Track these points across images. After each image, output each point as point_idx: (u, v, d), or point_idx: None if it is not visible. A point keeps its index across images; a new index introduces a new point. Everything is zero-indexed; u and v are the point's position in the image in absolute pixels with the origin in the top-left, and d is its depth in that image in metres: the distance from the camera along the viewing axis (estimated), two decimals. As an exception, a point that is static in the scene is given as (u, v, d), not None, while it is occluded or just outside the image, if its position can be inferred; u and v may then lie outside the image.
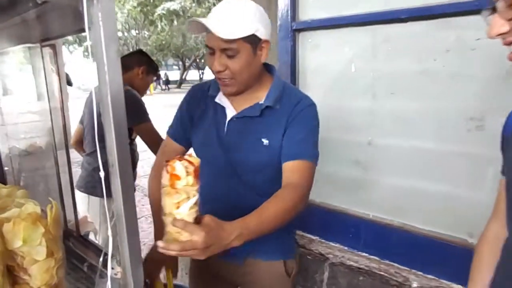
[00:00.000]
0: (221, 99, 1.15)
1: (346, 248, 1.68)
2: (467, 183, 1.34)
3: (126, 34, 24.36)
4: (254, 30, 0.99)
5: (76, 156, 1.94)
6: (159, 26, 20.56)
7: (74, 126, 2.34)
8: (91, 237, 1.75)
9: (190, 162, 0.80)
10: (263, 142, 1.08)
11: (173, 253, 0.79)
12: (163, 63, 29.07)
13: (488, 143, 1.26)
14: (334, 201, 1.72)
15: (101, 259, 0.72)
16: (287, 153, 1.07)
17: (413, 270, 1.48)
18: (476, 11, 1.23)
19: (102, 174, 0.77)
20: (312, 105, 1.13)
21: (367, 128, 1.56)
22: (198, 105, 1.21)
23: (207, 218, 0.82)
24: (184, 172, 0.78)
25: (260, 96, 1.11)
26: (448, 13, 1.29)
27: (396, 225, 1.54)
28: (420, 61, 1.38)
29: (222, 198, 1.16)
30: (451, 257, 1.38)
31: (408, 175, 1.48)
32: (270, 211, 0.93)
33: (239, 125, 1.12)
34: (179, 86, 28.09)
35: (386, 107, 1.50)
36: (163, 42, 23.53)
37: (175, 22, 20.08)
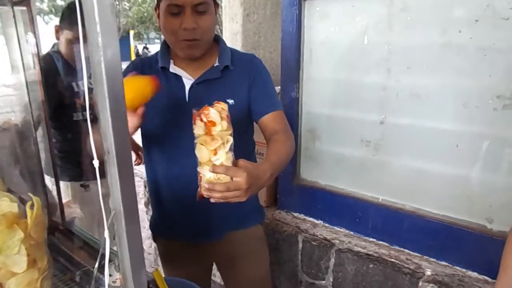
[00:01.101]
0: (174, 68, 1.13)
1: (352, 233, 1.59)
2: (489, 166, 1.25)
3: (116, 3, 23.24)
4: None
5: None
6: (140, -3, 19.66)
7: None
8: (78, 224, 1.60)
9: (222, 108, 0.83)
10: (228, 102, 1.08)
11: (217, 195, 0.82)
12: (145, 36, 28.02)
13: (516, 124, 1.17)
14: (341, 183, 1.62)
15: (96, 264, 0.59)
16: (263, 108, 1.14)
17: (425, 257, 1.40)
18: (511, -24, 1.10)
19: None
20: (260, 60, 1.22)
21: (380, 106, 1.44)
22: None
23: (243, 161, 0.86)
24: (219, 117, 0.81)
25: (213, 60, 1.14)
26: (479, -22, 1.15)
27: (408, 209, 1.45)
28: (443, 33, 1.25)
29: (194, 165, 1.07)
30: (467, 244, 1.30)
31: (422, 157, 1.38)
32: (282, 152, 1.03)
33: (201, 90, 1.12)
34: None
35: (401, 83, 1.38)
36: (145, 14, 22.62)
37: (157, -7, 19.25)
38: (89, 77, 0.56)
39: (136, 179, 3.68)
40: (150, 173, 1.26)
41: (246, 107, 1.15)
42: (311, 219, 1.71)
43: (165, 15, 1.03)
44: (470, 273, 1.30)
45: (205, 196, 0.85)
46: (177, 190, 1.18)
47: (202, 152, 0.83)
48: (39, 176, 0.89)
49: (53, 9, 20.03)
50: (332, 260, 1.52)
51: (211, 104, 0.86)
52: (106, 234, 0.61)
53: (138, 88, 0.92)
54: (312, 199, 1.69)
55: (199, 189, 0.87)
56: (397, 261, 1.39)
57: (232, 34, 2.24)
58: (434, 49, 1.29)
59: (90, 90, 0.59)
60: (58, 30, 1.72)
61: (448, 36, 1.25)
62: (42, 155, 0.92)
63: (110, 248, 0.66)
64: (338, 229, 1.62)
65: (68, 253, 0.81)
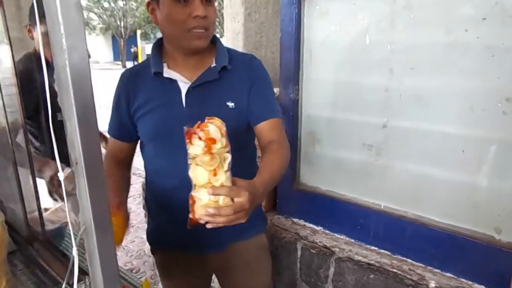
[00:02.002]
0: (168, 72, 1.07)
1: (353, 240, 1.53)
2: (497, 173, 1.18)
3: (113, 5, 23.40)
4: None
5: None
6: (147, -3, 19.75)
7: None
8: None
9: (219, 123, 0.79)
10: (228, 105, 1.06)
11: (222, 219, 0.77)
12: (151, 36, 28.13)
13: (526, 128, 1.10)
14: (341, 189, 1.56)
15: (63, 285, 0.55)
16: (260, 114, 1.09)
17: (429, 267, 1.33)
18: (522, -29, 1.03)
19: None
20: (260, 60, 1.16)
21: (382, 108, 1.38)
22: (137, 90, 1.10)
23: (240, 180, 0.82)
24: (219, 133, 0.76)
25: (209, 60, 1.08)
26: (487, -26, 1.09)
27: (410, 217, 1.38)
28: (449, 32, 1.19)
29: (186, 180, 1.06)
30: (474, 255, 1.23)
31: (426, 162, 1.32)
32: (275, 166, 0.99)
33: (199, 93, 1.06)
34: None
35: (404, 85, 1.31)
36: (152, 14, 22.69)
37: (164, -7, 19.29)
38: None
39: (139, 179, 3.63)
40: (148, 183, 1.22)
41: (247, 110, 1.10)
42: (311, 225, 1.65)
43: (171, 5, 0.97)
44: (476, 285, 1.23)
45: (203, 221, 0.79)
46: (176, 201, 1.10)
47: (199, 174, 0.76)
48: (16, 184, 0.85)
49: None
50: (332, 269, 1.46)
51: (202, 120, 0.79)
52: (75, 251, 0.57)
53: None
54: (312, 204, 1.63)
55: (190, 215, 0.79)
56: (399, 272, 1.33)
57: (234, 34, 2.19)
58: (438, 49, 1.22)
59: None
60: (30, 29, 1.60)
61: (454, 35, 1.18)
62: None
63: (84, 266, 0.61)
64: (339, 236, 1.56)
65: (45, 267, 0.76)
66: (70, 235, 1.22)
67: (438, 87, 1.24)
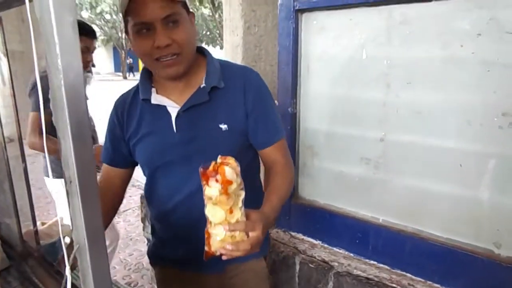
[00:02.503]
0: (156, 98, 1.03)
1: (352, 254, 1.51)
2: (496, 187, 1.18)
3: (114, 17, 23.65)
4: None
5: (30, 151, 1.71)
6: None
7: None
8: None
9: (233, 163, 0.80)
10: (221, 128, 1.01)
11: (239, 253, 0.80)
12: (152, 47, 28.25)
13: (523, 143, 1.10)
14: (340, 203, 1.55)
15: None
16: (264, 140, 1.06)
17: (429, 282, 1.32)
18: (515, -12, 1.05)
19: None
20: (257, 74, 1.09)
21: (380, 123, 1.38)
22: (129, 118, 1.08)
23: (252, 212, 0.84)
24: (234, 175, 0.78)
25: (199, 80, 1.02)
26: (481, -10, 1.10)
27: (409, 231, 1.37)
28: (445, 47, 1.20)
29: (186, 198, 1.05)
30: (473, 270, 1.22)
31: (425, 176, 1.31)
32: (281, 189, 0.99)
33: (189, 117, 1.01)
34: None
35: (401, 99, 1.32)
36: (153, 26, 22.89)
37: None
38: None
39: (138, 191, 3.63)
40: (150, 202, 1.19)
41: (243, 130, 1.04)
42: (309, 239, 1.64)
43: (135, 37, 0.93)
44: (476, 301, 1.22)
45: (219, 253, 0.83)
46: (175, 220, 1.10)
47: (216, 213, 0.79)
48: (11, 199, 0.85)
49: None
50: (331, 284, 1.45)
51: (215, 159, 0.81)
52: (67, 271, 0.56)
53: None
54: (311, 218, 1.62)
55: (206, 248, 0.83)
56: (398, 286, 1.31)
57: (233, 47, 2.21)
58: (435, 64, 1.23)
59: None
60: None
61: (450, 50, 1.19)
62: (17, 176, 0.88)
63: (78, 284, 0.61)
64: (337, 250, 1.55)
65: (39, 284, 0.76)
66: (64, 253, 1.21)
67: (435, 102, 1.25)
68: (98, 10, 22.63)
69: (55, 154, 2.08)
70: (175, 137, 1.01)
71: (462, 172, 1.23)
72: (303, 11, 1.53)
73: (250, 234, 0.81)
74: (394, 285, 1.32)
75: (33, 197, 1.10)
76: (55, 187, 1.96)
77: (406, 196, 1.37)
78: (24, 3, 0.52)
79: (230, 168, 0.78)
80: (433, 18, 1.21)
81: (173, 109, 1.02)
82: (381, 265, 1.44)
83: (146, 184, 1.15)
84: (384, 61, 1.34)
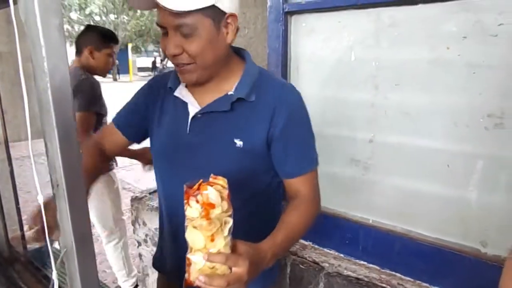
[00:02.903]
0: (181, 92, 0.96)
1: (342, 255, 1.52)
2: (482, 187, 1.20)
3: (104, 18, 23.45)
4: (213, 0, 0.80)
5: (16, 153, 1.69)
6: (139, 11, 19.85)
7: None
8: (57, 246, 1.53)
9: (221, 186, 0.72)
10: (235, 143, 0.90)
11: None
12: (142, 49, 28.19)
13: (508, 144, 1.12)
14: (330, 204, 1.56)
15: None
16: (293, 170, 0.94)
17: (418, 282, 1.34)
18: (499, -8, 1.07)
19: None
20: (298, 94, 0.97)
21: (368, 124, 1.39)
22: (156, 100, 1.03)
23: (242, 245, 0.73)
24: (219, 198, 0.69)
25: (230, 86, 0.92)
26: (467, -6, 1.12)
27: (399, 231, 1.39)
28: (431, 49, 1.22)
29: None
30: (461, 268, 1.24)
31: (413, 177, 1.33)
32: (294, 226, 0.88)
33: (204, 122, 0.93)
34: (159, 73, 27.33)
35: (390, 101, 1.34)
36: (143, 28, 22.81)
37: (155, 7, 19.40)
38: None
39: (129, 194, 3.59)
40: (159, 204, 1.12)
41: (261, 152, 0.92)
42: (300, 240, 1.64)
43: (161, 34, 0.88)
44: (464, 299, 1.24)
45: (196, 285, 0.71)
46: (169, 226, 1.05)
47: (196, 238, 0.69)
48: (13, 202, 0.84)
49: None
50: (321, 285, 1.45)
51: (206, 179, 0.73)
52: (54, 275, 0.56)
53: None
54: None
55: (186, 275, 0.72)
56: (388, 286, 1.32)
57: (222, 49, 2.21)
58: (422, 66, 1.25)
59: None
60: (92, 50, 2.04)
61: (437, 52, 1.21)
62: (3, 179, 0.87)
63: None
64: (328, 251, 1.56)
65: (25, 289, 0.75)
66: (55, 252, 1.19)
67: (423, 103, 1.27)
68: (87, 11, 22.43)
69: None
70: (186, 138, 0.95)
71: (450, 173, 1.25)
72: (292, 13, 1.54)
73: (233, 269, 0.70)
74: (384, 285, 1.33)
75: (20, 201, 1.09)
76: None
77: (395, 197, 1.39)
78: (8, 5, 0.51)
79: (214, 190, 0.70)
80: (421, 21, 1.23)
81: (193, 109, 0.95)
82: (371, 265, 1.45)
83: (156, 179, 1.09)
84: (373, 63, 1.35)
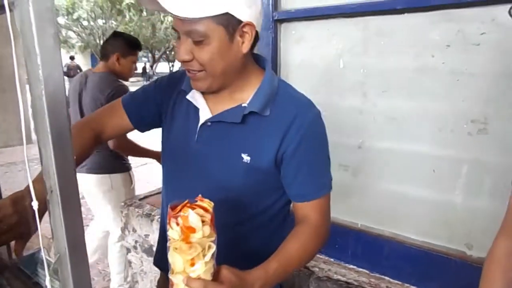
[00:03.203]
0: (194, 96, 0.91)
1: (332, 259, 1.54)
2: (466, 191, 1.23)
3: (92, 23, 23.29)
4: (227, 8, 0.75)
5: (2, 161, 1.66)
6: (127, 16, 19.79)
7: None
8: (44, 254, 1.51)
9: (204, 209, 0.69)
10: (243, 158, 0.85)
11: None
12: (131, 54, 28.00)
13: (491, 149, 1.16)
14: (320, 208, 1.58)
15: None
16: (304, 193, 0.87)
17: (406, 284, 1.36)
18: (480, 3, 1.11)
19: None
20: (317, 111, 0.90)
21: (357, 130, 1.42)
22: (170, 96, 0.98)
23: (226, 272, 0.69)
24: (199, 222, 0.66)
25: (245, 97, 0.86)
26: (450, 4, 1.16)
27: (387, 235, 1.41)
28: (417, 57, 1.25)
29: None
30: (447, 271, 1.27)
31: (401, 182, 1.36)
32: (293, 254, 0.82)
33: (213, 132, 0.88)
34: (147, 79, 27.23)
35: (378, 107, 1.37)
36: (131, 33, 22.69)
37: (144, 13, 19.39)
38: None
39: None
40: (162, 201, 1.09)
41: (268, 168, 0.86)
42: (290, 245, 1.66)
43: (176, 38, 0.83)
44: (451, 301, 1.27)
45: None
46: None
47: (175, 260, 0.67)
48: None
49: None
50: (312, 289, 1.47)
51: (192, 200, 0.70)
52: (48, 281, 0.56)
53: None
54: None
55: None
56: (377, 290, 1.35)
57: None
58: (408, 73, 1.28)
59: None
60: (119, 57, 2.16)
61: (422, 60, 1.25)
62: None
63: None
64: (318, 255, 1.57)
65: (16, 296, 0.74)
66: (43, 259, 1.18)
67: (409, 109, 1.30)
68: (75, 16, 22.25)
69: (129, 154, 2.26)
70: (194, 147, 0.91)
71: (435, 177, 1.28)
72: (282, 21, 1.56)
73: None
74: (373, 288, 1.36)
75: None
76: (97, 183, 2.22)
77: (383, 201, 1.41)
78: (4, 12, 0.52)
79: (194, 214, 0.66)
80: (406, 30, 1.27)
81: (204, 115, 0.90)
82: (360, 269, 1.47)
83: (162, 178, 1.06)
84: (361, 70, 1.39)
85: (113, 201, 2.28)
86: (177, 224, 0.66)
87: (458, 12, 1.16)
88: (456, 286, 1.25)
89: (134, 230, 2.13)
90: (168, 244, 0.68)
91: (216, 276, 0.69)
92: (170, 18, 20.02)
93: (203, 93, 0.91)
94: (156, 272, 2.08)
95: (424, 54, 1.24)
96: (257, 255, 0.82)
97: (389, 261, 1.39)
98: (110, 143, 2.05)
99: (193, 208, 0.68)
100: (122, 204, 2.19)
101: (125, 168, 2.32)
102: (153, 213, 2.00)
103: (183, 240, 0.65)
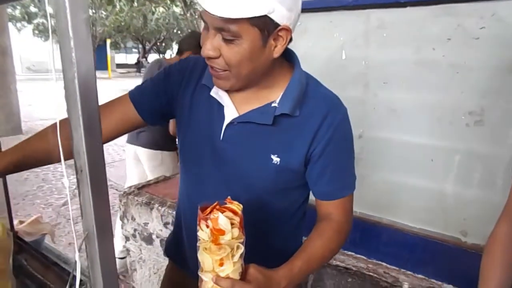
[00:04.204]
0: (218, 92, 0.85)
1: (331, 246, 1.58)
2: (462, 181, 1.28)
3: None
4: (267, 10, 0.69)
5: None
6: (118, 6, 19.46)
7: (23, 109, 2.15)
8: (47, 241, 1.53)
9: (233, 211, 0.70)
10: (272, 159, 0.82)
11: None
12: (122, 45, 27.68)
13: (487, 139, 1.21)
14: (319, 197, 1.62)
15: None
16: (329, 193, 0.87)
17: (403, 270, 1.41)
18: (481, -2, 1.15)
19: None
20: (345, 109, 0.89)
21: (358, 120, 1.45)
22: (185, 87, 0.91)
23: (253, 271, 0.71)
24: (229, 225, 0.68)
25: (273, 95, 0.82)
26: (451, -1, 1.20)
27: (384, 223, 1.46)
28: (418, 50, 1.29)
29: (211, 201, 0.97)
30: (443, 257, 1.32)
31: (399, 171, 1.41)
32: (317, 252, 0.83)
33: (241, 132, 0.84)
34: (138, 71, 26.94)
35: (378, 98, 1.41)
36: (122, 24, 22.34)
37: (135, 3, 19.08)
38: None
39: (111, 191, 3.59)
40: (179, 191, 1.06)
41: (297, 168, 0.85)
42: (290, 232, 1.70)
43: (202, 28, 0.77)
44: (446, 285, 1.32)
45: None
46: (191, 221, 0.97)
47: (205, 259, 0.69)
48: (3, 195, 0.85)
49: (25, 16, 19.52)
50: (311, 276, 1.51)
51: (222, 202, 0.71)
52: (77, 257, 0.58)
53: None
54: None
55: None
56: (375, 275, 1.40)
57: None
58: (409, 66, 1.32)
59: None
60: (191, 54, 2.22)
61: (423, 53, 1.28)
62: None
63: (81, 272, 0.63)
64: (317, 242, 1.62)
65: (37, 275, 0.76)
66: (47, 246, 1.19)
67: (409, 101, 1.34)
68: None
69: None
70: (220, 144, 0.86)
71: (433, 167, 1.33)
72: (285, 12, 1.58)
73: None
74: (371, 274, 1.40)
75: (10, 196, 1.07)
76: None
77: (382, 190, 1.46)
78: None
79: (223, 217, 0.68)
80: (408, 23, 1.30)
81: (230, 114, 0.85)
82: (359, 255, 1.52)
83: (180, 170, 1.03)
84: (363, 62, 1.42)
85: (160, 174, 2.52)
86: (207, 226, 0.68)
87: (459, 7, 1.19)
88: (452, 271, 1.31)
89: (133, 219, 2.15)
90: (198, 243, 0.70)
91: (243, 275, 0.71)
92: (161, 9, 19.75)
93: (227, 90, 0.86)
94: (155, 260, 2.11)
95: (425, 47, 1.27)
96: (276, 251, 0.85)
97: (386, 248, 1.44)
98: (171, 128, 2.35)
99: (222, 211, 0.69)
100: (121, 193, 2.21)
101: (174, 148, 2.60)
102: (152, 202, 2.02)
103: (212, 242, 0.67)
